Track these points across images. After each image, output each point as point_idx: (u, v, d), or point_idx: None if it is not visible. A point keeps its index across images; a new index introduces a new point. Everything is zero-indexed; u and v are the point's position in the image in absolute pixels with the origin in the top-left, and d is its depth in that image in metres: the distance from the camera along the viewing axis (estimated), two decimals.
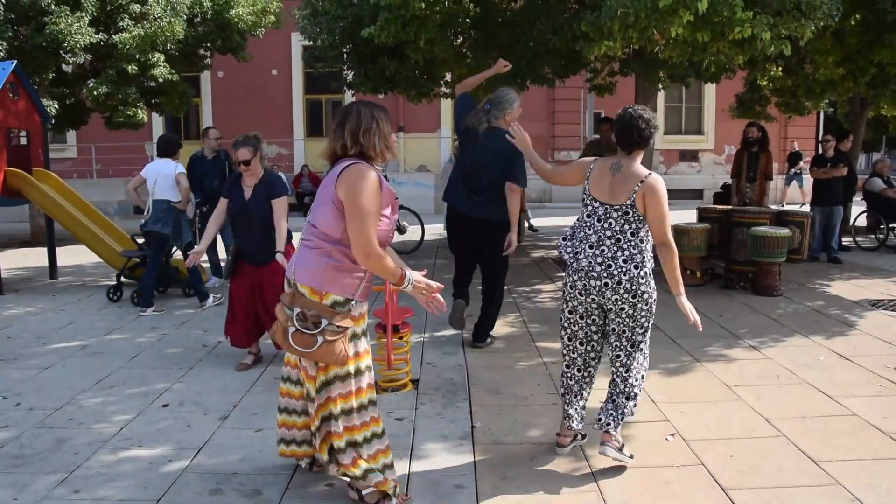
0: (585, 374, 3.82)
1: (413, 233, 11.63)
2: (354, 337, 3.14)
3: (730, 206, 9.18)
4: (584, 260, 3.58)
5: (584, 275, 3.57)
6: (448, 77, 10.57)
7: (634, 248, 3.52)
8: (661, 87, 9.15)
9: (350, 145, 3.08)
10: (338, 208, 3.02)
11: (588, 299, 3.61)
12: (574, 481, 3.52)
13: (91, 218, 9.30)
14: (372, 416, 3.23)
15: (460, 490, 3.42)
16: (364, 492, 3.20)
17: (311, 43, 10.41)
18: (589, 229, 3.62)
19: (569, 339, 3.78)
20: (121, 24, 12.39)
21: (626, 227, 3.52)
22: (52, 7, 11.52)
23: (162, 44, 12.45)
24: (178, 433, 4.16)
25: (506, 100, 5.43)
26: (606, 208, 3.56)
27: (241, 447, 3.95)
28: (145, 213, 7.53)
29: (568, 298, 3.70)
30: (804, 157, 19.93)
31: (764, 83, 12.33)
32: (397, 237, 11.34)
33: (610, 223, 3.55)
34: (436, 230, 13.32)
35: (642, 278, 3.49)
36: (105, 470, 3.67)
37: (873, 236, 11.91)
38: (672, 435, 4.06)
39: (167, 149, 7.49)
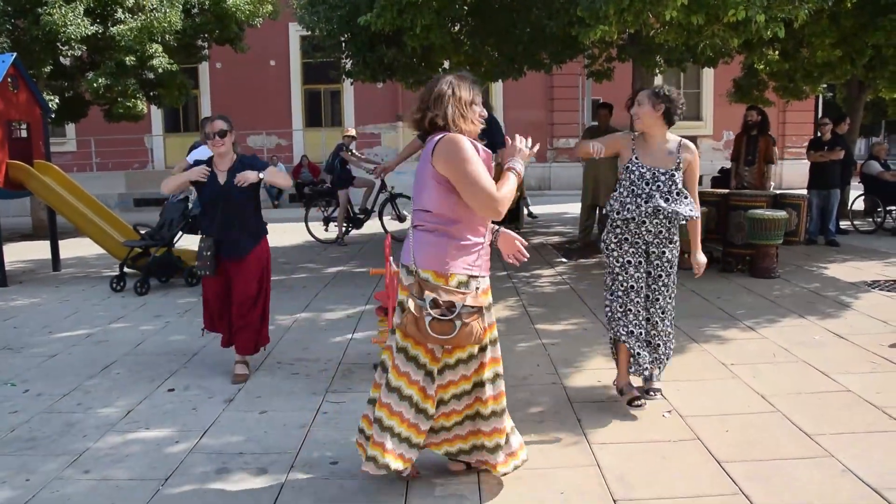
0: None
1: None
2: (489, 309, 3.15)
3: (727, 190, 9.23)
4: None
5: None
6: (446, 64, 10.59)
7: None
8: (657, 71, 9.18)
9: (421, 114, 3.08)
10: (442, 185, 2.99)
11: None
12: (572, 455, 3.60)
13: (93, 209, 9.36)
14: (500, 390, 3.24)
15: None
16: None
17: (309, 32, 10.43)
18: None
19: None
20: (116, 16, 12.41)
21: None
22: None
23: (159, 34, 12.46)
24: (183, 416, 4.23)
25: None
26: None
27: (246, 429, 4.02)
28: (191, 199, 7.65)
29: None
30: (802, 141, 19.94)
31: (761, 67, 12.35)
32: (398, 225, 11.43)
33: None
34: None
35: None
36: (113, 451, 3.75)
37: (871, 219, 11.97)
38: (669, 411, 4.14)
39: None
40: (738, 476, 3.33)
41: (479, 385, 3.17)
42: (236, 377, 4.86)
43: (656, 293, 4.14)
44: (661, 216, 3.98)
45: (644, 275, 4.12)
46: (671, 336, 4.24)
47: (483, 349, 3.13)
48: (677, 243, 4.14)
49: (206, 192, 4.82)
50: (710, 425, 3.92)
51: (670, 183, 3.99)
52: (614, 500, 3.16)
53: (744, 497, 3.15)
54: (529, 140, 3.20)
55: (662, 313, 4.16)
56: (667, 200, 3.97)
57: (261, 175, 4.69)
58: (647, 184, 3.99)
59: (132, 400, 4.51)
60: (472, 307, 2.99)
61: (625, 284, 4.10)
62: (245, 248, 4.82)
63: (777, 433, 3.81)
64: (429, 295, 2.97)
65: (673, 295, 4.19)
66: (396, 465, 3.09)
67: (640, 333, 4.14)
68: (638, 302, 4.11)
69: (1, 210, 13.89)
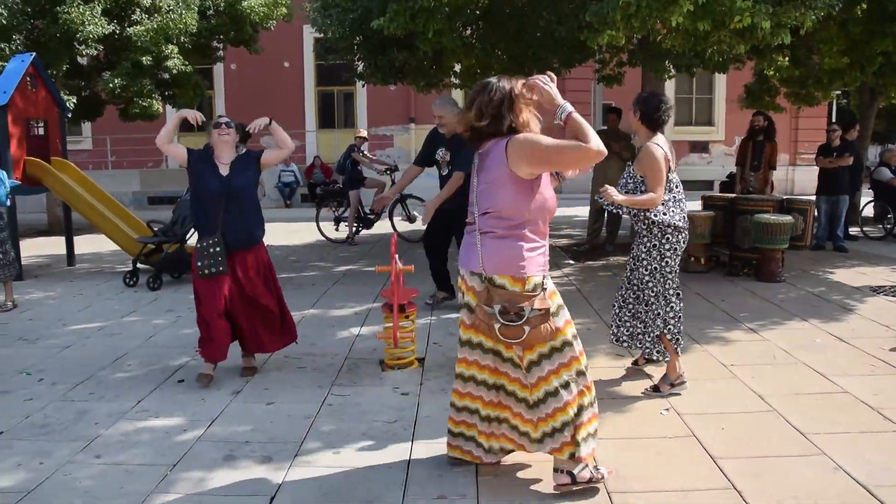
0: None
1: (423, 222, 11.77)
2: (560, 309, 3.23)
3: (734, 195, 9.28)
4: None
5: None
6: (457, 67, 10.70)
7: None
8: (667, 76, 9.25)
9: (490, 120, 3.12)
10: (520, 185, 3.10)
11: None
12: None
13: (107, 206, 9.52)
14: (585, 385, 3.28)
15: None
16: (576, 471, 3.20)
17: (322, 35, 10.57)
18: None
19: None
20: (133, 16, 12.60)
21: None
22: None
23: (175, 36, 12.64)
24: (192, 406, 4.35)
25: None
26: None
27: (252, 419, 4.14)
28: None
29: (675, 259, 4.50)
30: (815, 147, 19.91)
31: (771, 73, 12.38)
32: (407, 226, 11.53)
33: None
34: None
35: None
36: (124, 438, 3.87)
37: (880, 226, 11.96)
38: (667, 410, 4.21)
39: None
40: (730, 472, 3.40)
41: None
42: (245, 370, 4.96)
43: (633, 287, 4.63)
44: (623, 213, 4.51)
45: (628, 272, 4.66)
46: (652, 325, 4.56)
47: (559, 349, 3.20)
48: (646, 240, 4.46)
49: (206, 185, 4.63)
50: (707, 423, 3.99)
51: (632, 183, 4.44)
52: (608, 493, 3.24)
53: (735, 492, 3.23)
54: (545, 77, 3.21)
55: (646, 306, 4.55)
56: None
57: (269, 120, 4.70)
58: (623, 185, 4.47)
59: (143, 390, 4.63)
60: (540, 309, 3.09)
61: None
62: (255, 235, 4.78)
63: (772, 432, 3.88)
64: (497, 305, 3.07)
65: (650, 287, 4.50)
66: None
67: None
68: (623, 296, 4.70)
69: (17, 206, 14.11)
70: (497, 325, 3.08)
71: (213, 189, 4.63)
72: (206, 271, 4.59)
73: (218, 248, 4.60)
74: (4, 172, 7.43)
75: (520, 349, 3.17)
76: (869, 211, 12.30)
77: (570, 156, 3.07)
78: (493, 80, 3.20)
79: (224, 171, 4.68)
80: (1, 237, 7.07)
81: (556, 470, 3.26)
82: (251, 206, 4.77)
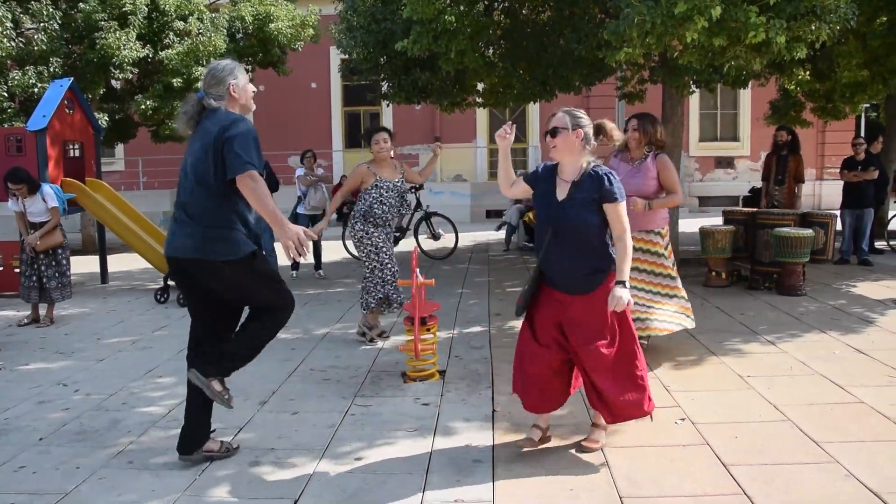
0: None
1: (448, 240, 11.96)
2: None
3: (755, 209, 9.30)
4: None
5: None
6: (479, 87, 10.88)
7: None
8: (686, 92, 9.32)
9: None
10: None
11: None
12: (585, 456, 3.78)
13: (140, 225, 9.80)
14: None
15: (478, 464, 3.70)
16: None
17: (347, 56, 10.82)
18: None
19: None
20: (166, 40, 12.99)
21: None
22: (102, 24, 12.15)
23: (204, 58, 12.99)
24: (221, 415, 4.47)
25: (219, 69, 3.68)
26: None
27: (278, 427, 4.29)
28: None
29: None
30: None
31: (791, 87, 12.39)
32: (432, 244, 11.68)
33: None
34: (470, 238, 13.66)
35: None
36: (155, 445, 4.04)
37: None
38: (682, 419, 4.29)
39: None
40: (741, 478, 3.47)
41: None
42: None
43: None
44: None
45: None
46: None
47: None
48: None
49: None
50: (721, 432, 4.06)
51: None
52: (620, 498, 3.33)
53: (745, 497, 3.30)
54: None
55: None
56: None
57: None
58: None
59: (173, 401, 4.81)
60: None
61: None
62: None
63: (785, 440, 3.93)
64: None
65: None
66: None
67: None
68: None
69: None
70: None
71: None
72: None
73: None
74: (57, 187, 7.75)
75: None
76: (895, 224, 12.19)
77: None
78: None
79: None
80: (63, 263, 7.38)
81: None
82: None
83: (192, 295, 3.79)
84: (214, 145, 3.46)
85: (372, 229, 6.03)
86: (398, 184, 6.13)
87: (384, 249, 6.08)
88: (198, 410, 3.75)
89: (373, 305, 6.13)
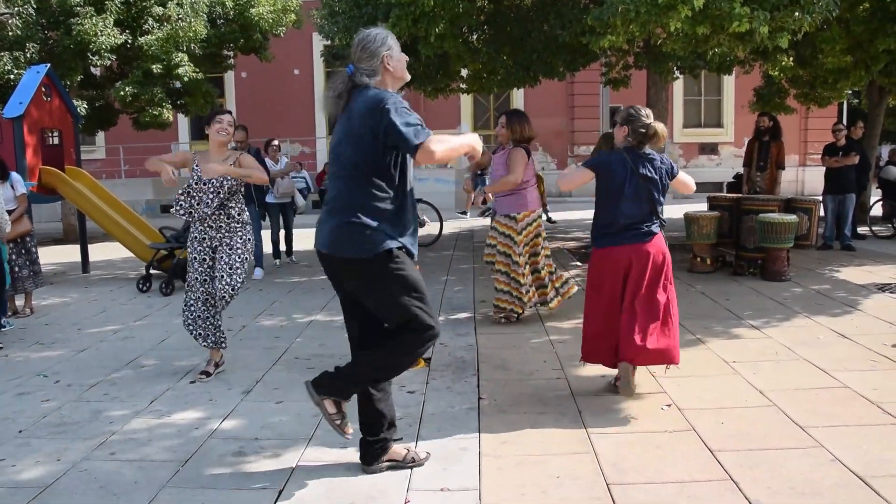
0: None
1: (432, 227, 11.93)
2: None
3: (740, 195, 9.33)
4: None
5: None
6: (463, 72, 10.81)
7: None
8: (670, 78, 9.33)
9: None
10: None
11: None
12: (570, 444, 3.77)
13: (121, 214, 9.68)
14: None
15: (464, 452, 3.68)
16: None
17: (330, 42, 10.71)
18: None
19: None
20: (145, 26, 12.81)
21: None
22: (78, 9, 11.95)
23: (184, 43, 12.83)
24: (203, 405, 4.46)
25: (370, 40, 3.45)
26: None
27: (262, 417, 4.24)
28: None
29: None
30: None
31: (775, 73, 12.41)
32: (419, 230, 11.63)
33: None
34: (454, 225, 13.61)
35: None
36: (137, 436, 3.99)
37: (889, 224, 11.95)
38: (668, 405, 4.29)
39: None
40: (727, 463, 3.48)
41: None
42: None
43: None
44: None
45: None
46: None
47: None
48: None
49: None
50: (707, 418, 4.06)
51: None
52: (607, 484, 3.32)
53: (732, 482, 3.30)
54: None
55: None
56: None
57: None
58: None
59: (155, 390, 4.75)
60: None
61: None
62: None
63: (770, 425, 3.94)
64: None
65: None
66: None
67: None
68: None
69: (33, 215, 14.34)
70: None
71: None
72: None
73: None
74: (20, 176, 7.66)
75: None
76: (878, 210, 12.30)
77: None
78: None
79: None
80: (32, 251, 7.29)
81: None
82: None
83: None
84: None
85: None
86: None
87: None
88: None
89: None
